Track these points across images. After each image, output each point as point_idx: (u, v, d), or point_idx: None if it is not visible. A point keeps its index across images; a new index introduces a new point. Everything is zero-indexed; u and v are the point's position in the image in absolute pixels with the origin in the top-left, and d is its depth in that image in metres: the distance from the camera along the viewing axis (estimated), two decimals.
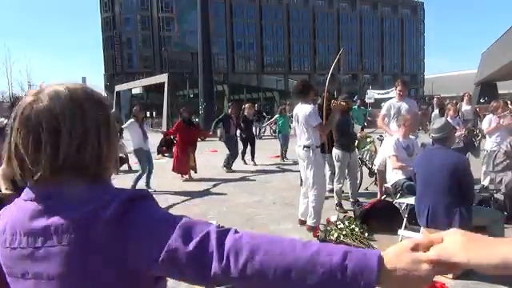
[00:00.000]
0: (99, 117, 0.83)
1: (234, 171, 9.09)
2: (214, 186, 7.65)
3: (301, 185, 5.10)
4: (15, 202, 0.85)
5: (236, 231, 0.75)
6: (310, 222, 4.66)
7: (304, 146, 4.66)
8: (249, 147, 10.10)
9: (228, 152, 9.29)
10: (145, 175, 6.96)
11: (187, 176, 8.24)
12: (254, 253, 0.70)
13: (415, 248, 0.69)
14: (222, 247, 0.71)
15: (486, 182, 6.33)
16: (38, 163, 0.78)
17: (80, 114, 0.80)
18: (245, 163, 10.11)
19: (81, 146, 0.79)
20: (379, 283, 0.67)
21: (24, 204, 0.81)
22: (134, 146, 7.03)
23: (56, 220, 0.75)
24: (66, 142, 0.78)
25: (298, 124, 4.76)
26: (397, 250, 0.69)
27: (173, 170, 8.19)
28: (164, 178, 8.12)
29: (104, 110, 0.85)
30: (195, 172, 8.43)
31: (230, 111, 9.84)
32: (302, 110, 4.65)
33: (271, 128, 18.00)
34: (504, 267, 0.61)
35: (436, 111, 12.30)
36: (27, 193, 0.82)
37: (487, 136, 6.57)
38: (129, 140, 7.39)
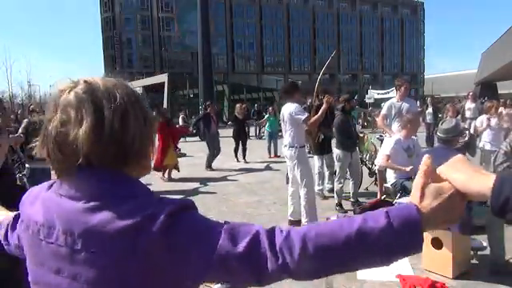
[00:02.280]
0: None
1: (215, 170, 9.31)
2: (214, 185, 7.66)
3: (287, 183, 5.11)
4: (44, 194, 0.84)
5: (281, 228, 0.75)
6: (304, 220, 4.71)
7: (289, 146, 4.72)
8: (240, 146, 10.63)
9: (209, 152, 9.54)
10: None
11: (163, 175, 8.19)
12: (306, 242, 0.70)
13: (425, 184, 0.73)
14: (273, 245, 0.71)
15: None
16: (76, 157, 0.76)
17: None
18: (237, 161, 10.50)
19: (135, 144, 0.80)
20: (425, 230, 0.70)
21: (61, 199, 0.79)
22: None
23: (101, 226, 0.73)
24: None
25: (283, 123, 4.82)
26: (422, 193, 0.72)
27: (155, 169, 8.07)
28: (164, 178, 8.14)
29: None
30: (178, 171, 8.43)
31: (209, 110, 10.02)
32: (287, 108, 4.72)
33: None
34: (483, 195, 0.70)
35: (429, 109, 12.33)
36: (63, 188, 0.80)
37: (481, 135, 6.69)
38: None
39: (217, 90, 27.69)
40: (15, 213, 0.99)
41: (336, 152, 5.72)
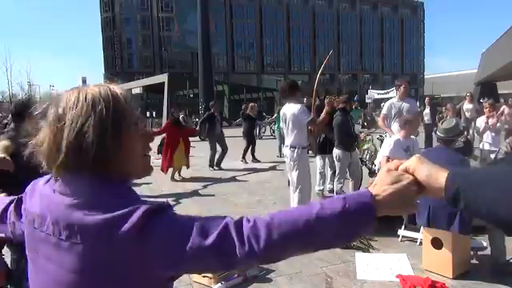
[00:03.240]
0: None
1: (223, 169, 9.27)
2: (215, 185, 7.66)
3: (288, 184, 5.09)
4: (42, 188, 0.92)
5: (248, 218, 0.82)
6: None
7: (290, 146, 4.64)
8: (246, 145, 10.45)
9: (211, 152, 9.53)
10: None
11: (172, 176, 8.24)
12: (271, 230, 0.78)
13: (389, 171, 0.83)
14: (240, 233, 0.78)
15: None
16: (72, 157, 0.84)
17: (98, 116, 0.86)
18: (245, 162, 10.28)
19: (104, 147, 0.84)
20: (378, 212, 0.78)
21: (53, 194, 0.88)
22: None
23: (81, 220, 0.81)
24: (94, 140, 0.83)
25: (285, 124, 4.75)
26: (379, 180, 0.82)
27: (161, 169, 8.09)
28: (165, 178, 8.13)
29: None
30: (187, 167, 8.52)
31: (213, 110, 9.98)
32: (290, 109, 4.64)
33: (271, 128, 18.04)
34: (439, 188, 0.79)
35: (427, 110, 12.35)
36: (57, 184, 0.88)
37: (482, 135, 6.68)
38: None
39: (217, 89, 27.69)
40: (9, 198, 1.11)
41: (336, 152, 5.73)
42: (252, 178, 8.31)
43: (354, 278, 3.48)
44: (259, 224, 0.79)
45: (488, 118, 6.57)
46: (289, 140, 4.68)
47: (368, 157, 7.18)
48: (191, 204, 6.29)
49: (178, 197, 6.71)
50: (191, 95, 29.67)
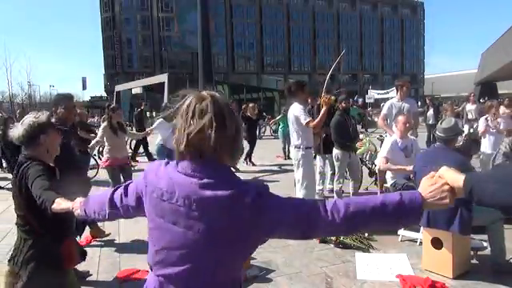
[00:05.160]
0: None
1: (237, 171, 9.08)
2: None
3: (295, 185, 5.10)
4: (165, 169, 1.21)
5: (329, 201, 1.14)
6: None
7: (294, 146, 4.77)
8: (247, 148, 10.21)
9: None
10: None
11: None
12: (347, 207, 1.11)
13: (427, 178, 1.15)
14: (325, 208, 1.11)
15: None
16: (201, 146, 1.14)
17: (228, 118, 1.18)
18: (253, 164, 10.14)
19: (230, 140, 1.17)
20: (423, 207, 1.09)
21: (179, 174, 1.16)
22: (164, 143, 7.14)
23: (214, 195, 1.10)
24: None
25: (291, 124, 4.86)
26: (426, 185, 1.13)
27: None
28: None
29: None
30: None
31: None
32: (293, 109, 4.76)
33: (271, 128, 18.05)
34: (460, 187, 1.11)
35: (431, 111, 12.35)
36: (182, 167, 1.16)
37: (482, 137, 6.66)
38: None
39: (217, 90, 27.64)
40: (114, 188, 1.44)
41: (335, 152, 5.72)
42: (254, 178, 8.29)
43: (354, 277, 3.48)
44: (339, 203, 1.12)
45: (487, 118, 6.55)
46: (293, 140, 4.81)
47: (368, 157, 7.18)
48: None
49: None
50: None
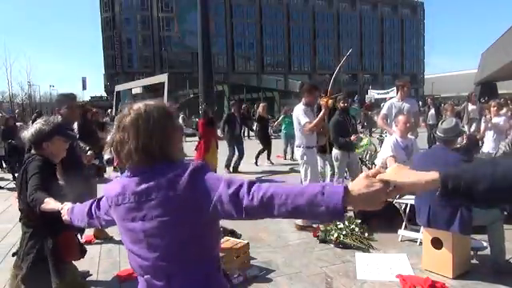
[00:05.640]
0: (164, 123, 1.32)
1: (239, 172, 9.10)
2: None
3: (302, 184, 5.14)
4: (121, 179, 1.35)
5: (258, 183, 1.18)
6: (298, 221, 4.77)
7: (297, 146, 4.99)
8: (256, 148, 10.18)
9: (229, 153, 9.20)
10: None
11: None
12: (268, 189, 1.13)
13: (367, 177, 1.07)
14: (250, 189, 1.15)
15: None
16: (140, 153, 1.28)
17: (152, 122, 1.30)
18: (271, 163, 10.06)
19: (162, 143, 1.29)
20: (348, 203, 1.04)
21: (128, 178, 1.31)
22: None
23: (152, 184, 1.24)
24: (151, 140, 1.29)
25: (295, 124, 5.03)
26: (356, 180, 1.08)
27: None
28: None
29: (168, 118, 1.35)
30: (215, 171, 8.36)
31: (233, 110, 9.75)
32: (295, 110, 5.00)
33: (272, 128, 18.03)
34: (413, 185, 1.07)
35: (432, 111, 12.35)
36: (129, 172, 1.32)
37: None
38: None
39: (217, 89, 27.64)
40: (88, 202, 1.62)
41: (334, 152, 5.73)
42: (256, 178, 8.27)
43: (354, 277, 3.48)
44: (263, 185, 1.16)
45: (485, 116, 6.54)
46: (297, 140, 5.02)
47: (368, 157, 7.19)
48: None
49: None
50: (191, 95, 29.64)
